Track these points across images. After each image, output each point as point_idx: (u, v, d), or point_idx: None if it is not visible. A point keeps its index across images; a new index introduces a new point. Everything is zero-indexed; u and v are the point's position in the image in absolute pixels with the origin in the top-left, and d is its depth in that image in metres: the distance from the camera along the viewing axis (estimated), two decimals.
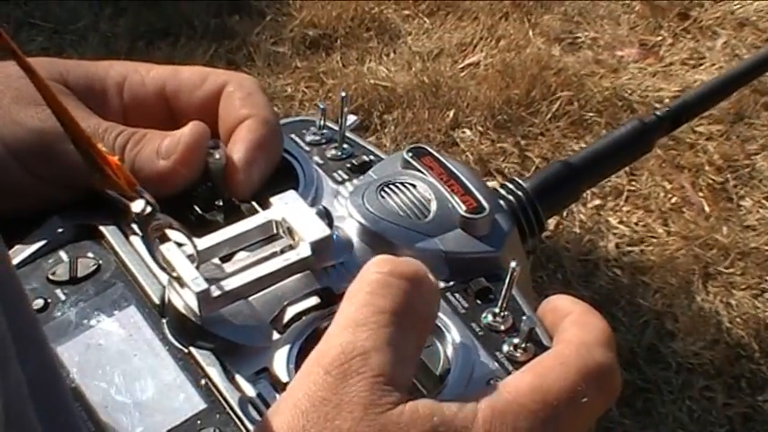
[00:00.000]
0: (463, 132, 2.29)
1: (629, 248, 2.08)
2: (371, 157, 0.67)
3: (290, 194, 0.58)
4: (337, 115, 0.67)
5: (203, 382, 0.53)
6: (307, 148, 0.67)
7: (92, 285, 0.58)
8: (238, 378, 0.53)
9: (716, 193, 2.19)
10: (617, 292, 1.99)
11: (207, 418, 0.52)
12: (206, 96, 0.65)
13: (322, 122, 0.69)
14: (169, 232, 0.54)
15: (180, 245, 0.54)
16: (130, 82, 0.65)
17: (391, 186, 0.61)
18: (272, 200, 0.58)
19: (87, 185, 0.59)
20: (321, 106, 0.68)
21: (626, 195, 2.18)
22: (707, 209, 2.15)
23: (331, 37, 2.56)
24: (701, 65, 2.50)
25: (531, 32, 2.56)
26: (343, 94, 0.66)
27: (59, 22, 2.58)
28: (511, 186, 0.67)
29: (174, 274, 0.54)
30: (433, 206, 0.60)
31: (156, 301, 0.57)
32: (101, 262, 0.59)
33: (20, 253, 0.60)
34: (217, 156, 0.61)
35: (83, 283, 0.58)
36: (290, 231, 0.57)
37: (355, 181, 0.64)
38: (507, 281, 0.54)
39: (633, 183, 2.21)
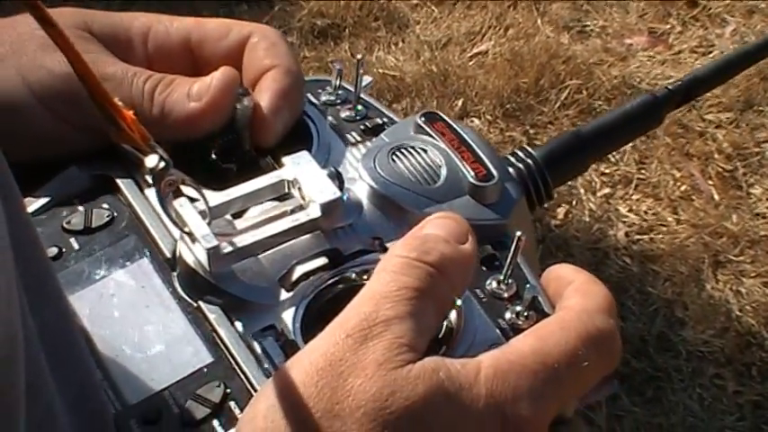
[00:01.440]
0: (472, 121, 2.29)
1: (639, 237, 2.08)
2: (385, 119, 0.67)
3: (303, 155, 0.59)
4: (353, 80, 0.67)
5: (211, 336, 0.54)
6: (321, 108, 0.68)
7: (105, 236, 0.59)
8: (245, 334, 0.53)
9: (725, 181, 2.18)
10: (627, 280, 1.99)
11: (213, 371, 0.53)
12: (231, 47, 0.66)
13: (337, 83, 0.69)
14: (182, 188, 0.54)
15: (193, 200, 0.55)
16: (155, 32, 0.66)
17: (403, 150, 0.62)
18: (285, 159, 0.59)
19: None
20: (337, 66, 0.69)
21: (635, 184, 2.18)
22: (716, 197, 2.15)
23: (339, 26, 2.56)
24: (710, 52, 2.49)
25: (539, 21, 2.55)
26: (360, 56, 0.67)
27: None
28: (521, 154, 0.67)
29: (186, 230, 0.54)
30: (443, 172, 0.61)
31: (168, 254, 0.57)
32: (115, 213, 0.60)
33: (36, 200, 0.60)
34: (246, 102, 0.62)
35: (97, 233, 0.59)
36: (300, 192, 0.57)
37: (368, 143, 0.65)
38: (512, 249, 0.55)
39: (642, 171, 2.21)
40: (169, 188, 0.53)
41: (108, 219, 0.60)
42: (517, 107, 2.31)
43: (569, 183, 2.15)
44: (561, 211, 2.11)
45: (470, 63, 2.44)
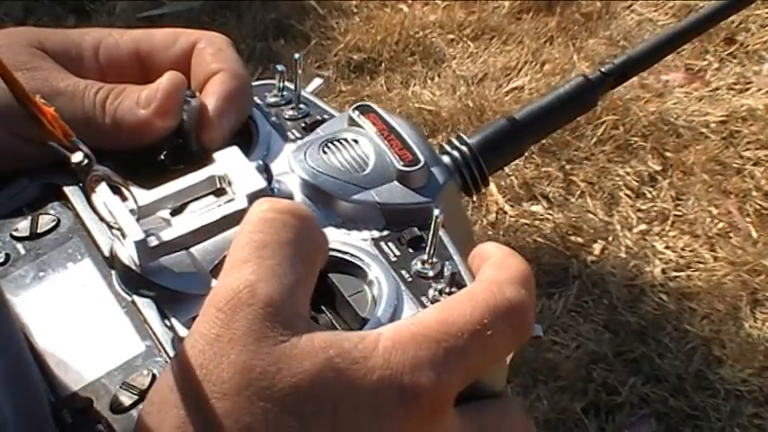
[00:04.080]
0: None
1: (676, 274, 2.07)
2: (325, 116, 0.69)
3: (233, 150, 0.61)
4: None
5: (143, 327, 0.56)
6: (265, 110, 0.70)
7: (50, 240, 0.62)
8: (175, 323, 0.55)
9: (763, 218, 2.16)
10: (664, 317, 1.98)
11: (143, 360, 0.55)
12: (179, 54, 0.67)
13: (282, 84, 0.71)
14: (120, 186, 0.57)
15: (125, 198, 0.57)
16: (105, 45, 0.67)
17: (334, 142, 0.64)
18: (215, 155, 0.61)
19: None
20: (279, 68, 0.71)
21: (672, 220, 2.17)
22: (754, 234, 2.13)
23: (375, 61, 2.57)
24: (747, 89, 2.48)
25: (575, 57, 2.55)
26: (297, 56, 0.69)
27: None
28: (456, 142, 0.69)
29: (116, 225, 0.56)
30: (372, 160, 0.63)
31: (107, 253, 0.59)
32: (60, 218, 0.63)
33: None
34: (193, 104, 0.64)
35: (42, 237, 0.62)
36: (231, 186, 0.59)
37: (306, 138, 0.67)
38: (432, 228, 0.56)
39: (679, 208, 2.19)
40: (95, 183, 0.56)
41: (53, 224, 0.62)
42: (553, 142, 2.31)
43: (603, 218, 2.14)
44: (597, 248, 2.10)
45: (506, 98, 2.44)
